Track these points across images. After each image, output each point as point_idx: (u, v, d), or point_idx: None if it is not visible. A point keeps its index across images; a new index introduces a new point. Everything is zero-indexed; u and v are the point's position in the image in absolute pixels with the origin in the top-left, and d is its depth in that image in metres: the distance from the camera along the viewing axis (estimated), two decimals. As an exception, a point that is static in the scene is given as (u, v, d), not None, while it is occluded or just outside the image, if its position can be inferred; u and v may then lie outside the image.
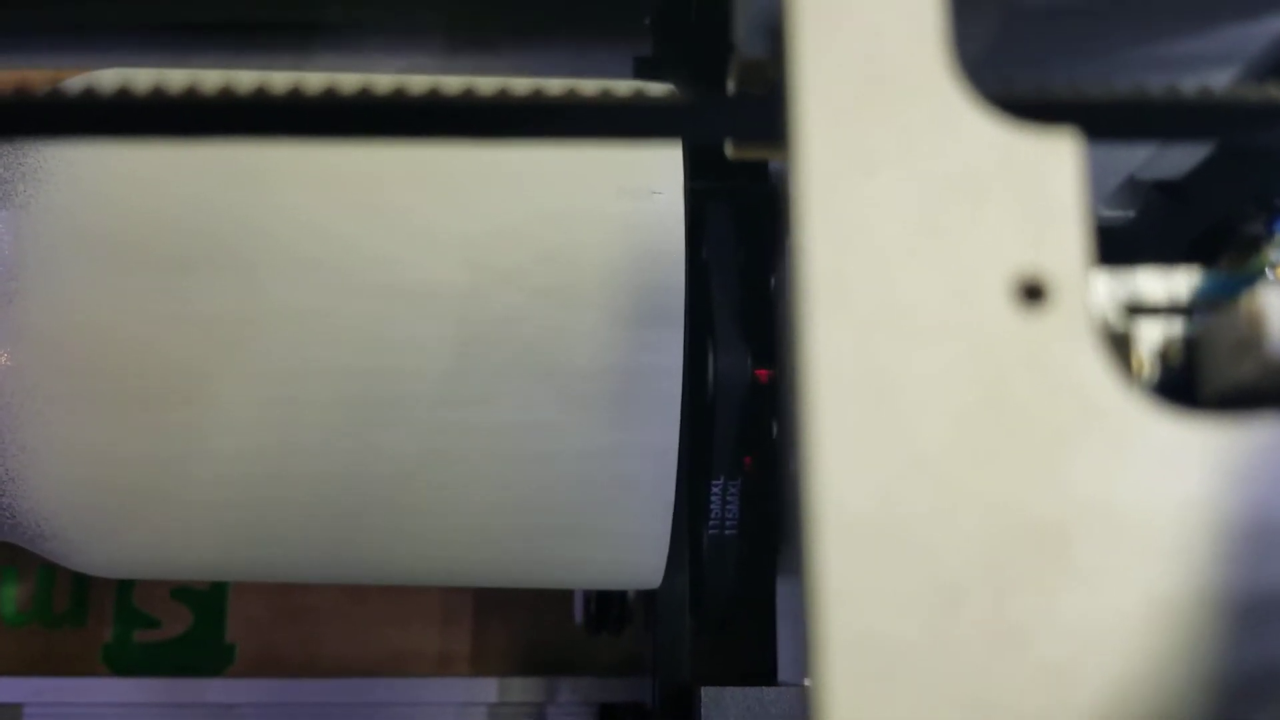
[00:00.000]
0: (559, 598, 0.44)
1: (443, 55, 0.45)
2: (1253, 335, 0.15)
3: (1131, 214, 0.26)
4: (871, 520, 0.14)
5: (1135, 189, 0.25)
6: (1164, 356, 0.17)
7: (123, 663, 0.44)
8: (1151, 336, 0.17)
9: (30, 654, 0.44)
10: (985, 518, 0.14)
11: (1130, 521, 0.14)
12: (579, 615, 0.43)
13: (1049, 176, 0.15)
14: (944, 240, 0.15)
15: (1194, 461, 0.14)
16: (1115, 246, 0.28)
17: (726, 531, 0.37)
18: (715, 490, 0.37)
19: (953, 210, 0.15)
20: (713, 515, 0.37)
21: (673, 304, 0.32)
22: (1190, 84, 0.17)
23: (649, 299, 0.31)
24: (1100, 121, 0.16)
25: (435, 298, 0.31)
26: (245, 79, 0.18)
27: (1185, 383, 0.17)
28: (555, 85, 0.17)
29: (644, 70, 0.40)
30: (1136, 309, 0.17)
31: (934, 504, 0.14)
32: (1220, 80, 0.20)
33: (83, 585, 0.45)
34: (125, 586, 0.45)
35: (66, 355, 0.31)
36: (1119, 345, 0.17)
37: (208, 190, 0.32)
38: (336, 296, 0.31)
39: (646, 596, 0.41)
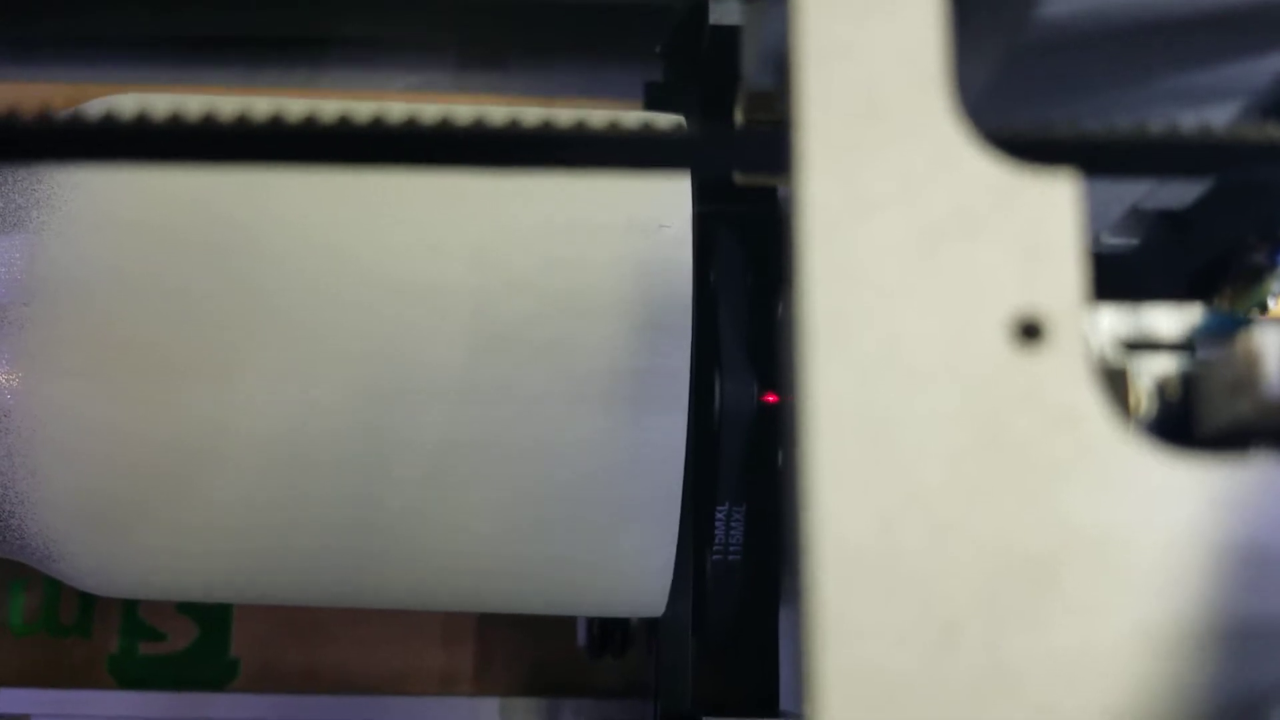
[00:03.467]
0: (562, 619, 0.44)
1: (455, 72, 0.45)
2: (1249, 375, 0.16)
3: (1135, 242, 0.26)
4: (869, 553, 0.15)
5: (1139, 218, 0.26)
6: (1162, 393, 0.17)
7: (128, 675, 0.44)
8: (1149, 373, 0.17)
9: (37, 665, 0.44)
10: (981, 552, 0.15)
11: (1122, 556, 0.14)
12: (582, 638, 0.43)
13: (1047, 216, 0.15)
14: (942, 279, 0.15)
15: (1185, 498, 0.15)
16: (1119, 275, 0.28)
17: (730, 557, 0.37)
18: (720, 516, 0.37)
19: (951, 249, 0.15)
20: (717, 541, 0.37)
21: (679, 319, 0.32)
22: (1192, 119, 0.17)
23: (656, 312, 0.32)
24: (1099, 160, 0.16)
25: (444, 304, 0.32)
26: (261, 106, 0.18)
27: (1183, 419, 0.17)
28: (564, 115, 0.18)
29: (655, 96, 0.41)
30: (1135, 345, 0.18)
31: (931, 538, 0.15)
32: (1224, 115, 0.20)
33: (90, 597, 0.45)
34: (132, 599, 0.45)
35: (77, 380, 0.32)
36: (1117, 381, 0.17)
37: (219, 205, 0.32)
38: (346, 308, 0.32)
39: (650, 621, 0.41)
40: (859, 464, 0.15)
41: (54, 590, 0.45)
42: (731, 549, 0.38)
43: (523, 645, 0.45)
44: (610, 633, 0.42)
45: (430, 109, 0.18)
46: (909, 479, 0.15)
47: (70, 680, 0.44)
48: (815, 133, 0.15)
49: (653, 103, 0.41)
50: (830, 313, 0.15)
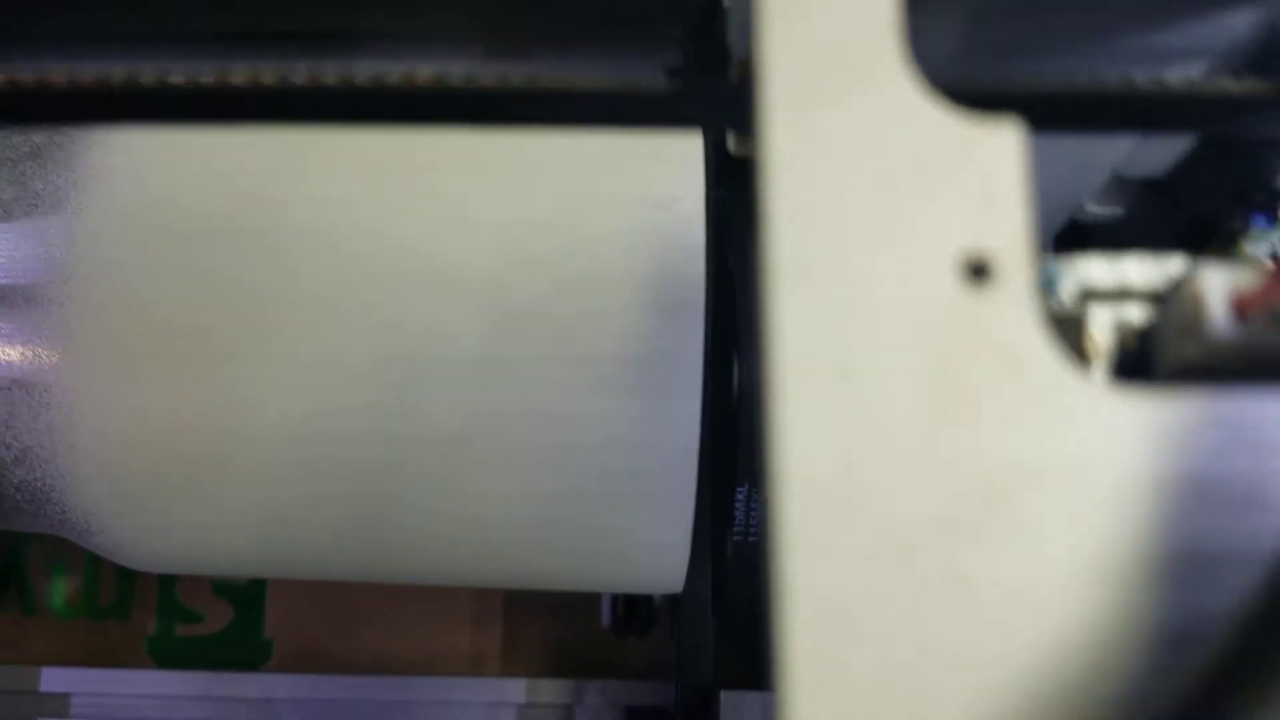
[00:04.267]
0: (588, 601, 0.45)
1: (479, 63, 0.46)
2: (1195, 316, 0.17)
3: (1119, 211, 0.27)
4: (832, 486, 0.16)
5: (1122, 186, 0.27)
6: (1121, 342, 0.18)
7: (165, 655, 0.46)
8: (1111, 322, 0.18)
9: (78, 646, 0.46)
10: (936, 482, 0.16)
11: (1070, 487, 0.15)
12: (606, 618, 0.45)
13: (995, 162, 0.16)
14: (897, 223, 0.16)
15: (1131, 431, 0.16)
16: (1104, 242, 0.29)
17: (750, 539, 0.38)
18: (740, 497, 0.38)
19: (905, 194, 0.16)
20: (737, 522, 0.38)
21: (692, 295, 0.33)
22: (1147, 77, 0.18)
23: (668, 289, 0.33)
24: (1050, 111, 0.17)
25: (466, 284, 0.33)
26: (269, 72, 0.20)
27: (1144, 368, 0.18)
28: (550, 77, 0.19)
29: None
30: (1101, 295, 0.19)
31: (890, 470, 0.16)
32: (1188, 74, 0.21)
33: (128, 580, 0.47)
34: (168, 581, 0.47)
35: (114, 355, 0.34)
36: (1076, 330, 0.18)
37: (249, 187, 0.34)
38: (371, 288, 0.33)
39: (673, 601, 0.42)
40: (822, 400, 0.16)
41: (94, 573, 0.47)
42: (751, 530, 0.39)
43: (550, 627, 0.46)
44: (634, 613, 0.43)
45: (425, 69, 0.19)
46: (869, 413, 0.16)
47: (110, 660, 0.46)
48: (777, 83, 0.16)
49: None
50: (792, 255, 0.16)
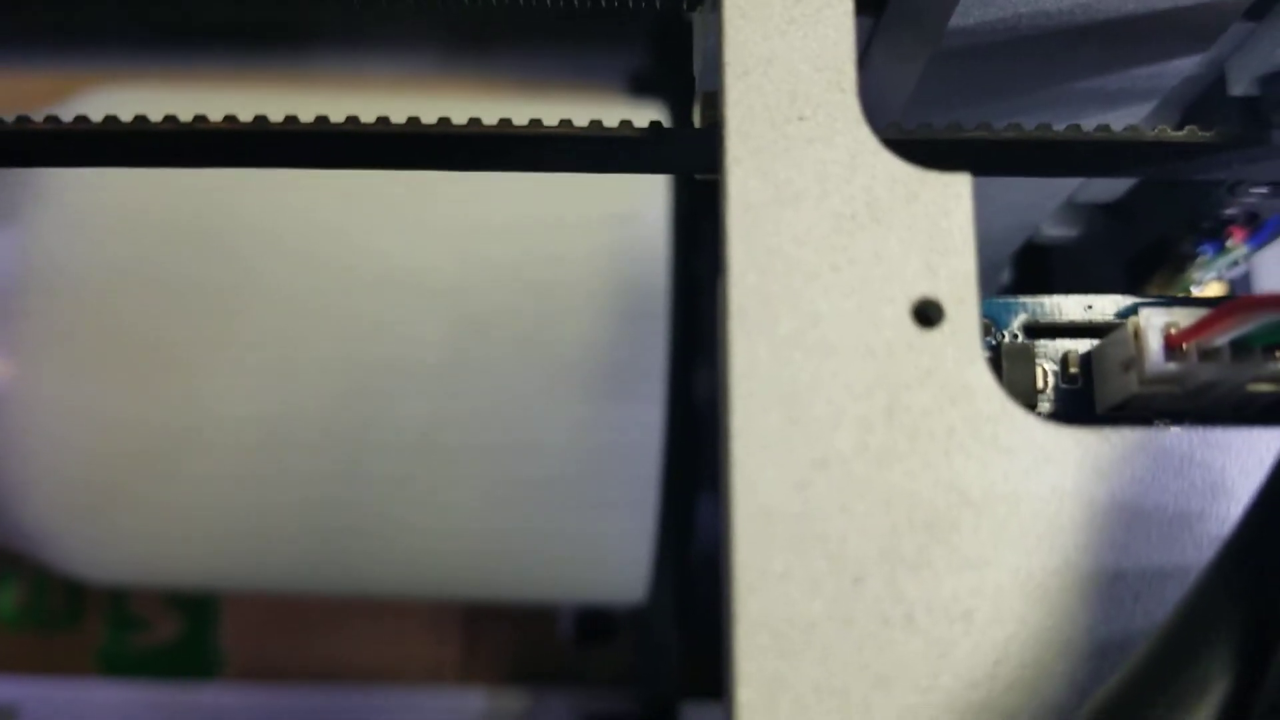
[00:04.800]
0: (549, 610, 0.47)
1: (440, 59, 0.48)
2: (1136, 352, 0.19)
3: (1075, 233, 0.29)
4: (783, 513, 0.17)
5: (1078, 210, 0.29)
6: (1065, 373, 0.20)
7: (117, 666, 0.47)
8: (1058, 356, 0.20)
9: (26, 655, 0.47)
10: (883, 510, 0.17)
11: (1007, 514, 0.17)
12: (568, 627, 0.46)
13: (946, 213, 0.18)
14: (852, 267, 0.18)
15: (1065, 463, 0.17)
16: (1061, 263, 0.31)
17: (714, 546, 0.40)
18: (704, 504, 0.40)
19: (861, 240, 0.18)
20: (701, 529, 0.40)
21: (654, 307, 0.34)
22: (1099, 121, 0.20)
23: (631, 301, 0.34)
24: (999, 158, 0.19)
25: (427, 289, 0.35)
26: (243, 109, 0.21)
27: (1087, 398, 0.20)
28: (517, 116, 0.21)
29: (640, 79, 0.43)
30: (1050, 331, 0.20)
31: (839, 498, 0.17)
32: (1134, 116, 0.23)
33: (78, 590, 0.48)
34: (120, 591, 0.48)
35: (71, 366, 0.35)
36: (1027, 363, 0.20)
37: (205, 200, 0.35)
38: (330, 299, 0.35)
39: (635, 610, 0.43)
40: (776, 431, 0.18)
41: (43, 582, 0.48)
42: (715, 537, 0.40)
43: (510, 636, 0.47)
44: (596, 621, 0.45)
45: (397, 110, 0.21)
46: (821, 445, 0.18)
47: (59, 671, 0.47)
48: (741, 132, 0.18)
49: (637, 86, 0.43)
50: (752, 294, 0.18)
